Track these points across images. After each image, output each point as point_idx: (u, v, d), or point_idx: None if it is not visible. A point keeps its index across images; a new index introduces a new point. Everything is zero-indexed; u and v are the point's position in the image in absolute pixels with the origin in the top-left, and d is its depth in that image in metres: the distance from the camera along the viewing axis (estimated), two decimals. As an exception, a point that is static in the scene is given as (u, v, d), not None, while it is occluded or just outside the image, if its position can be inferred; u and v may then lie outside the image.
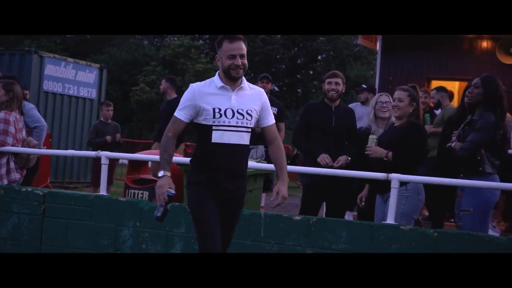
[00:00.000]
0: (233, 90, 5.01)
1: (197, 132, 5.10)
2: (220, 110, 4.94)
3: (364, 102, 11.35)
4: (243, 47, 5.00)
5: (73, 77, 17.24)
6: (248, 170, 7.74)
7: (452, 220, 9.97)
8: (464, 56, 12.89)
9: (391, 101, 7.06)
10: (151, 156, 8.93)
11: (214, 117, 4.93)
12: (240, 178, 5.14)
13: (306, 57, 37.22)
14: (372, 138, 6.82)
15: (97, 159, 8.67)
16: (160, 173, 4.93)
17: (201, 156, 5.07)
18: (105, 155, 7.58)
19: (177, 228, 6.75)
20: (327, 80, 7.34)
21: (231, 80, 5.00)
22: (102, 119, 12.63)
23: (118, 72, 34.91)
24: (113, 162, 10.95)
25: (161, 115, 11.92)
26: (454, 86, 13.55)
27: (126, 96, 33.98)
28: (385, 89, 12.57)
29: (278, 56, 36.06)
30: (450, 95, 11.39)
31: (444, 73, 13.15)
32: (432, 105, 11.10)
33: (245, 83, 5.09)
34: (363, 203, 7.12)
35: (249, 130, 5.08)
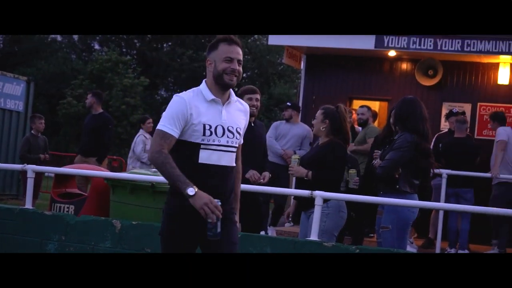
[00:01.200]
0: (223, 104, 4.34)
1: (177, 151, 4.24)
2: (210, 126, 4.24)
3: (288, 120, 11.36)
4: (241, 53, 4.39)
5: (0, 89, 16.73)
6: (165, 186, 7.68)
7: (372, 235, 10.03)
8: (385, 77, 12.97)
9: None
10: (77, 170, 8.62)
11: (204, 134, 4.22)
12: (227, 204, 4.34)
13: (231, 74, 37.15)
14: (295, 158, 6.91)
15: (24, 172, 8.37)
16: (191, 191, 3.98)
17: None
18: (31, 168, 7.33)
19: (102, 243, 6.56)
20: (247, 96, 7.12)
21: (222, 88, 4.31)
22: (33, 132, 12.34)
23: (46, 85, 34.16)
24: (39, 175, 10.64)
25: (85, 129, 11.68)
26: (375, 106, 13.63)
27: (53, 109, 33.29)
28: (308, 107, 12.56)
29: (204, 73, 35.84)
30: (374, 115, 11.46)
31: (365, 93, 13.21)
32: (356, 124, 11.14)
33: (233, 96, 4.44)
34: (290, 219, 7.04)
35: (236, 150, 4.44)
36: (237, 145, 4.42)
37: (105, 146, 11.61)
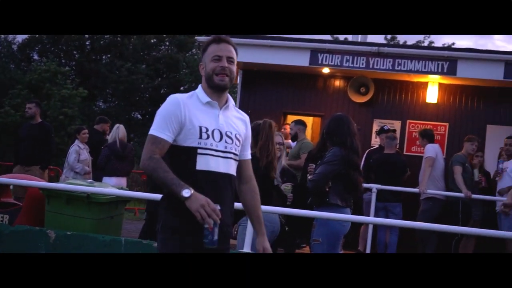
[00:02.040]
0: (220, 108, 3.94)
1: (172, 158, 3.87)
2: (207, 130, 3.82)
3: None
4: (232, 51, 3.97)
5: None
6: (109, 197, 7.51)
7: (304, 245, 10.02)
8: (319, 93, 12.99)
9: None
10: (12, 179, 8.34)
11: (200, 137, 3.79)
12: (226, 217, 3.84)
13: (169, 87, 36.93)
14: (287, 188, 7.04)
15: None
16: (186, 193, 3.56)
17: None
18: (-35, 177, 7.04)
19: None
20: None
21: (216, 91, 3.92)
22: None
23: (-17, 94, 33.33)
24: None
25: (26, 138, 11.42)
26: (309, 121, 13.65)
27: (-10, 118, 32.48)
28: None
29: (142, 85, 35.55)
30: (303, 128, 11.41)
31: (300, 108, 13.18)
32: (289, 139, 11.10)
33: (231, 101, 4.04)
34: (235, 232, 6.91)
35: (237, 157, 4.00)
36: (237, 152, 3.97)
37: (50, 154, 11.61)
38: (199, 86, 4.03)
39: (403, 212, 10.45)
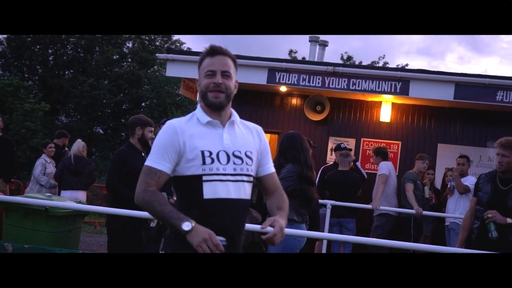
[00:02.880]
0: (223, 126, 3.50)
1: (177, 189, 3.50)
2: (210, 153, 3.37)
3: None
4: (228, 63, 3.53)
5: None
6: (67, 210, 7.33)
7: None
8: (276, 110, 12.94)
9: None
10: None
11: (203, 163, 3.34)
12: (239, 245, 3.50)
13: (131, 103, 36.73)
14: None
15: None
16: (186, 226, 3.18)
17: None
18: None
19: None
20: (149, 128, 7.01)
21: (215, 110, 3.48)
22: None
23: None
24: None
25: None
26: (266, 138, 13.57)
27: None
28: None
29: (104, 101, 35.24)
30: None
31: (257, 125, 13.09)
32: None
33: (235, 116, 3.61)
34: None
35: (251, 179, 3.54)
36: (250, 173, 3.50)
37: (13, 168, 11.33)
38: (198, 106, 3.61)
39: (356, 227, 10.43)
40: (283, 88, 12.41)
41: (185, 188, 3.40)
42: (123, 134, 36.17)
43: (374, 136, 12.46)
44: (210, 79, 3.47)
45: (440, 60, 53.86)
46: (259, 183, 3.75)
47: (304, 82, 11.99)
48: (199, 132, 3.44)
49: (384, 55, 45.00)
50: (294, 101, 12.89)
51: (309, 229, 6.76)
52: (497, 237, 5.91)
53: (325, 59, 15.74)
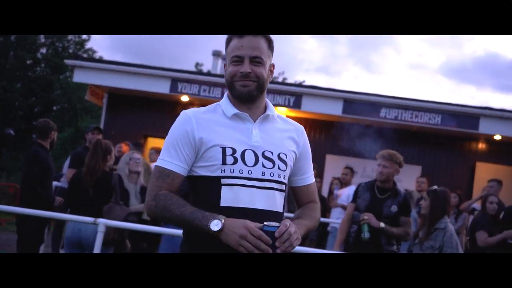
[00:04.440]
0: (254, 120, 2.67)
1: (192, 191, 2.67)
2: (233, 151, 2.56)
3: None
4: (260, 46, 2.65)
5: None
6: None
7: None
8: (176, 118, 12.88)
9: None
10: None
11: (224, 162, 2.53)
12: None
13: (42, 106, 35.81)
14: None
15: None
16: (216, 225, 2.40)
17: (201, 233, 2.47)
18: None
19: None
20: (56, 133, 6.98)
21: (244, 101, 2.66)
22: None
23: None
24: None
25: None
26: (167, 144, 13.51)
27: None
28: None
29: (16, 103, 34.19)
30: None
31: (159, 132, 13.03)
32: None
33: (271, 109, 2.75)
34: None
35: (284, 187, 2.64)
36: (282, 180, 2.62)
37: None
38: (225, 95, 2.78)
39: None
40: (185, 98, 12.37)
41: (200, 192, 2.58)
42: (33, 135, 35.27)
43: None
44: (237, 67, 2.64)
45: (336, 78, 55.12)
46: (293, 193, 2.90)
47: (204, 92, 12.01)
48: (222, 126, 2.62)
49: (283, 71, 45.46)
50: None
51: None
52: (369, 238, 6.05)
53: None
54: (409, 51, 54.78)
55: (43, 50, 37.67)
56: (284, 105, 11.83)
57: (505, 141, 12.32)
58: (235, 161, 2.53)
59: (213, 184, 2.54)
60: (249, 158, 2.56)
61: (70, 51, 36.71)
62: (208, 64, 35.81)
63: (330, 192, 11.15)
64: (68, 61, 12.86)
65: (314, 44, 55.83)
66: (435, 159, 12.75)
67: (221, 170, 2.52)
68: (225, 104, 2.69)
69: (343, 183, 10.23)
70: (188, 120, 2.61)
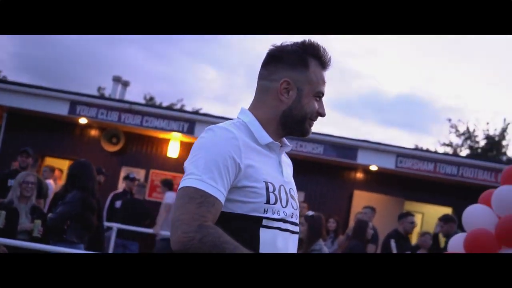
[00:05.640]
0: (279, 152, 2.19)
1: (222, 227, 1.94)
2: (274, 188, 2.05)
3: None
4: None
5: None
6: None
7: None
8: (76, 140, 12.75)
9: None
10: None
11: (268, 201, 2.01)
12: None
13: None
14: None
15: None
16: None
17: None
18: None
19: None
20: None
21: (286, 134, 2.20)
22: None
23: None
24: None
25: None
26: (65, 164, 13.26)
27: None
28: (5, 160, 11.78)
29: None
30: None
31: (58, 152, 12.86)
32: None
33: (285, 140, 2.25)
34: None
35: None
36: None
37: None
38: (249, 113, 2.15)
39: (141, 250, 10.42)
40: (83, 120, 12.25)
41: (233, 231, 1.92)
42: None
43: (162, 168, 12.63)
44: (316, 103, 2.15)
45: (233, 107, 55.75)
46: None
47: (102, 116, 11.95)
48: (259, 154, 2.08)
49: (182, 98, 45.45)
50: (93, 132, 12.75)
51: (93, 249, 6.67)
52: None
53: (127, 98, 15.78)
54: (302, 85, 56.15)
55: None
56: (178, 131, 11.94)
57: (380, 172, 12.89)
58: (276, 200, 2.04)
59: (251, 225, 2.00)
60: (283, 196, 2.08)
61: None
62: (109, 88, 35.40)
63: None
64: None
65: (214, 74, 56.28)
66: (317, 186, 13.16)
67: (264, 210, 2.01)
68: (257, 129, 2.11)
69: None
70: (235, 140, 1.99)
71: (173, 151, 12.53)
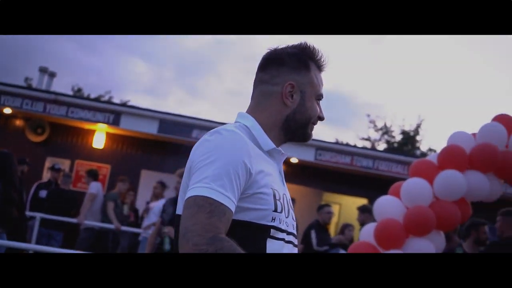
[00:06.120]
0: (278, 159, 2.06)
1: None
2: (279, 196, 1.90)
3: None
4: None
5: None
6: None
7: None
8: (1, 130, 12.47)
9: None
10: None
11: (275, 209, 1.86)
12: None
13: None
14: None
15: None
16: None
17: None
18: None
19: None
20: None
21: (288, 140, 2.09)
22: None
23: None
24: None
25: None
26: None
27: None
28: None
29: None
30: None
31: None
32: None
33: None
34: None
35: None
36: None
37: None
38: (250, 118, 2.03)
39: (65, 239, 10.33)
40: (7, 110, 12.02)
41: (238, 240, 1.73)
42: None
43: (87, 159, 12.55)
44: (319, 108, 2.10)
45: (163, 100, 55.28)
46: None
47: (27, 106, 11.76)
48: (264, 160, 1.94)
49: (110, 90, 44.67)
50: (17, 122, 12.52)
51: (14, 240, 6.53)
52: (170, 250, 6.31)
53: (54, 89, 15.53)
54: (230, 79, 56.43)
55: None
56: (103, 122, 11.89)
57: (300, 164, 13.18)
58: (282, 209, 1.89)
59: (258, 234, 1.84)
60: (286, 206, 1.93)
61: None
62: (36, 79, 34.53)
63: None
64: None
65: (144, 67, 55.62)
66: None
67: (272, 218, 1.85)
68: (260, 133, 1.99)
69: (156, 196, 10.48)
70: (245, 145, 1.84)
71: (98, 142, 12.47)
